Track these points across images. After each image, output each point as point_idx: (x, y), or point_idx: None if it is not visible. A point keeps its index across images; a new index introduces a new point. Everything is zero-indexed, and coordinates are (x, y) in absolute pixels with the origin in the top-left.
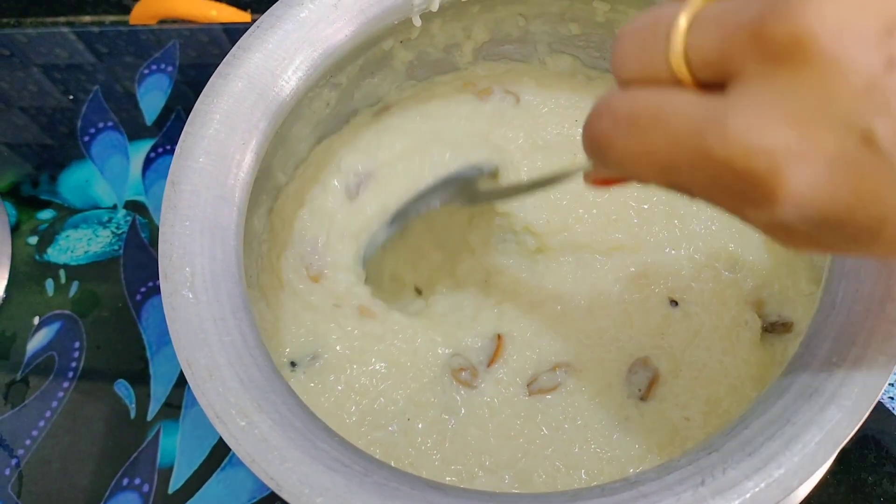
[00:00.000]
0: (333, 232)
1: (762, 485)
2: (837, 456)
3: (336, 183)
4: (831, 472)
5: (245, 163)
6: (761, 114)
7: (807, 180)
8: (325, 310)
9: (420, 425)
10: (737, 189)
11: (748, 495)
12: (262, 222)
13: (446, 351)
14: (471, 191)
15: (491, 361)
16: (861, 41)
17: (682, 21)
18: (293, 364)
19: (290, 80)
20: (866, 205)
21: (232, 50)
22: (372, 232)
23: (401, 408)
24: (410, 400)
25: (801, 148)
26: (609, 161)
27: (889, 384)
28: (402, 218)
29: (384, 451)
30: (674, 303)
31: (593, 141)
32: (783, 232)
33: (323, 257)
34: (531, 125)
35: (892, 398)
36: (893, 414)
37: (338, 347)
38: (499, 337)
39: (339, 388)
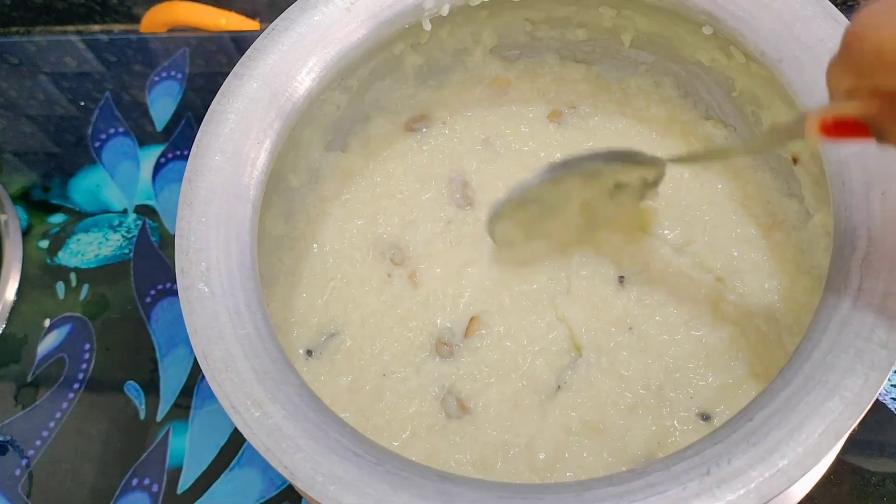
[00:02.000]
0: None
1: (766, 474)
2: (840, 457)
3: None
4: (834, 473)
5: (259, 161)
6: None
7: None
8: (371, 280)
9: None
10: None
11: (752, 485)
12: (274, 223)
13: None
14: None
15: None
16: None
17: None
18: (309, 352)
19: (304, 81)
20: None
21: (247, 51)
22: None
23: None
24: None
25: None
26: (863, 60)
27: (891, 385)
28: (559, 169)
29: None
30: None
31: (847, 41)
32: None
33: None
34: None
35: (894, 399)
36: None
37: (356, 318)
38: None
39: (362, 362)
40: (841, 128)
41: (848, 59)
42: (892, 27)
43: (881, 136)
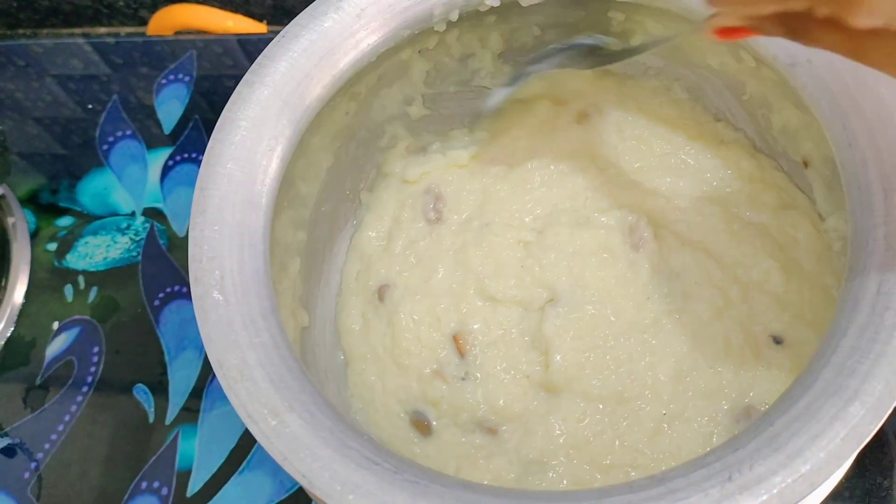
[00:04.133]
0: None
1: (789, 480)
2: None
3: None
4: (846, 476)
5: (271, 169)
6: None
7: None
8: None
9: None
10: None
11: (775, 490)
12: (284, 230)
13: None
14: (588, 56)
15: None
16: None
17: None
18: None
19: (315, 88)
20: None
21: (258, 59)
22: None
23: None
24: None
25: None
26: None
27: None
28: (522, 78)
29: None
30: None
31: None
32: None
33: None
34: None
35: None
36: None
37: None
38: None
39: None
40: (733, 31)
41: None
42: None
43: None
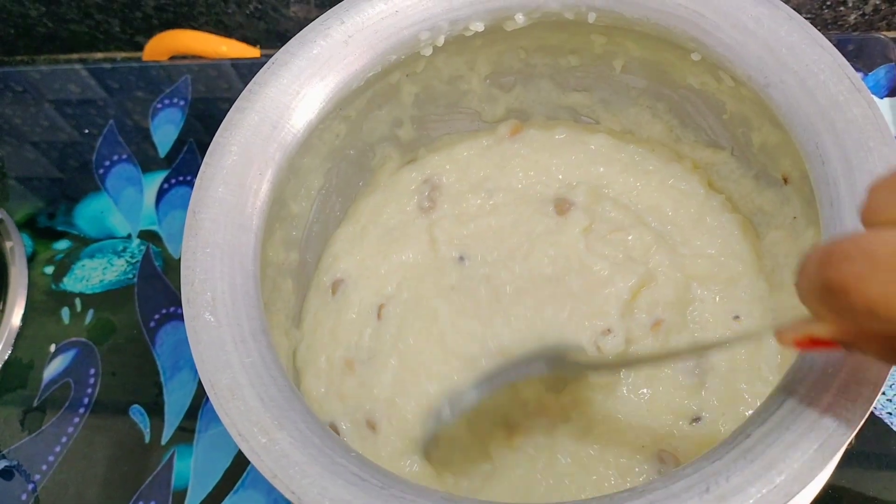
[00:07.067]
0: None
1: (764, 490)
2: (837, 472)
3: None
4: (832, 488)
5: (261, 192)
6: None
7: None
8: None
9: None
10: None
11: (751, 501)
12: (276, 251)
13: None
14: (566, 363)
15: None
16: None
17: None
18: None
19: (303, 113)
20: None
21: (248, 85)
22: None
23: None
24: None
25: None
26: (852, 309)
27: (888, 400)
28: (490, 383)
29: None
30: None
31: (832, 285)
32: None
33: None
34: None
35: (890, 413)
36: (892, 430)
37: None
38: None
39: None
40: (813, 342)
41: (831, 302)
42: (880, 286)
43: (850, 350)
